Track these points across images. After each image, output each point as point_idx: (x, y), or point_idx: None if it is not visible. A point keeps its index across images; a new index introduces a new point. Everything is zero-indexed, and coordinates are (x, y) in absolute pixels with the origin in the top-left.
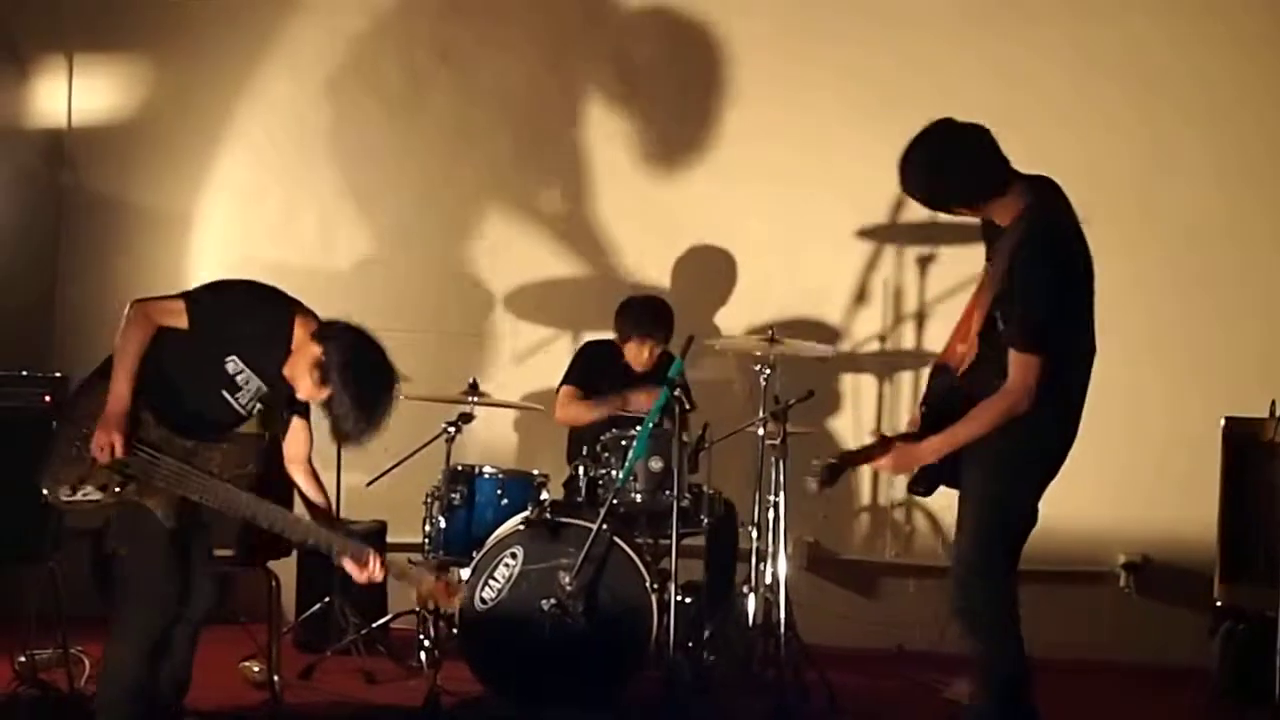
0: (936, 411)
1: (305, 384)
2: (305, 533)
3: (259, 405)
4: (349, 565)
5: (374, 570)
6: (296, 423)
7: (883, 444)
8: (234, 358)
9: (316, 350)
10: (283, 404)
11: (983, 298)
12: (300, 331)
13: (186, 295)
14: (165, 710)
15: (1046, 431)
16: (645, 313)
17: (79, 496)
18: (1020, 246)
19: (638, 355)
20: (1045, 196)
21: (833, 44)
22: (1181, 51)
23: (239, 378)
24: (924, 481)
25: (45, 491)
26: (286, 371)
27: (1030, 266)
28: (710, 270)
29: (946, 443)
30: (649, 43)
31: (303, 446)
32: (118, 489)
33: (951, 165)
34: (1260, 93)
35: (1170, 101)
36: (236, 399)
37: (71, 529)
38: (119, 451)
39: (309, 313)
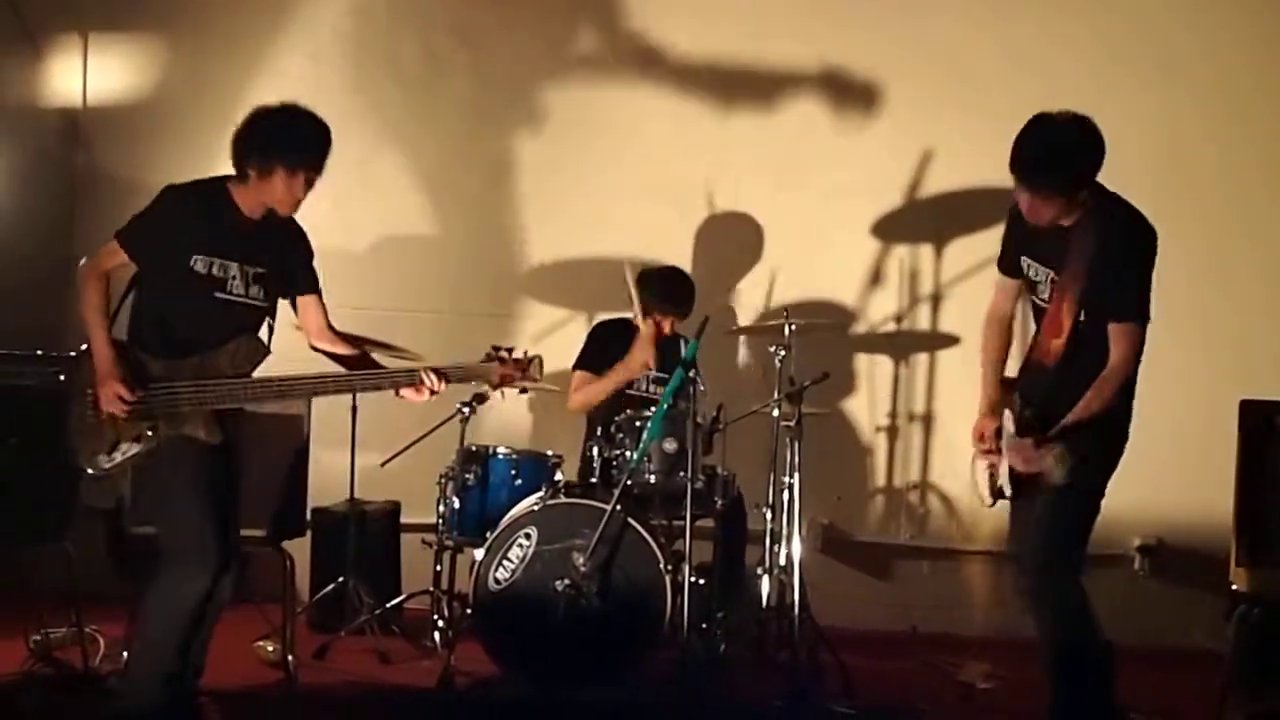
0: (1041, 408)
1: (282, 193)
2: (350, 381)
3: (261, 289)
4: (406, 393)
5: (431, 384)
6: (305, 300)
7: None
8: (196, 258)
9: (253, 172)
10: (283, 283)
11: (1069, 295)
12: (243, 188)
13: (116, 233)
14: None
15: (1123, 421)
16: (672, 288)
17: (120, 457)
18: (1117, 230)
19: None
20: (1109, 195)
21: (851, 30)
22: (1200, 41)
23: (215, 270)
24: (1012, 489)
25: (86, 468)
26: (267, 198)
27: (1132, 246)
28: (726, 252)
29: (1077, 419)
30: (669, 24)
31: (317, 318)
32: (150, 431)
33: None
34: (1277, 82)
35: (1188, 91)
36: (233, 292)
37: (87, 508)
38: (126, 395)
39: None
